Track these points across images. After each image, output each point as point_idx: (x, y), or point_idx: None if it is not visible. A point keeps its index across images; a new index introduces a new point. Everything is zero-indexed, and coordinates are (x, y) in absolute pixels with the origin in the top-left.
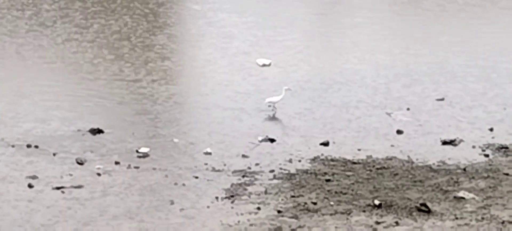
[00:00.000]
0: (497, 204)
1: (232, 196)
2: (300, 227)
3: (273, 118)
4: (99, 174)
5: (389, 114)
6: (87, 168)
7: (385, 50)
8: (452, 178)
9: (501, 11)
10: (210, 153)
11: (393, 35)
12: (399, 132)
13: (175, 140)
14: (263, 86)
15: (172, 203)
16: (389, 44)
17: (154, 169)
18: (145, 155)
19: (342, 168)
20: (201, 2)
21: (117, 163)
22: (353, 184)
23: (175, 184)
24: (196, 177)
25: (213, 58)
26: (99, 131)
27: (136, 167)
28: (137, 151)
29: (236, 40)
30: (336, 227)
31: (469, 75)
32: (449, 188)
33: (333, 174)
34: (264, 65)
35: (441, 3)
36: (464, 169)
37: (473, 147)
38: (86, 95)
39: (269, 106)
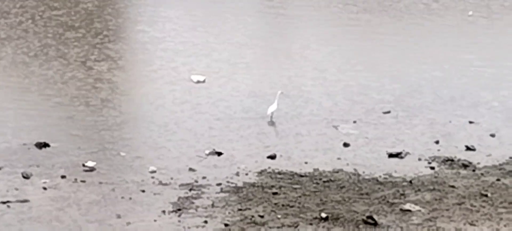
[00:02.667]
0: (443, 216)
1: (179, 210)
2: None
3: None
4: (45, 188)
5: (335, 127)
6: (33, 182)
7: (331, 63)
8: (398, 191)
9: (448, 27)
10: (155, 171)
11: (340, 48)
12: (345, 144)
13: (122, 154)
14: (207, 100)
15: (119, 217)
16: (335, 57)
17: (100, 182)
18: (92, 169)
19: (289, 181)
20: (148, 22)
21: (63, 177)
22: (300, 197)
23: (122, 197)
24: (143, 191)
25: (159, 73)
26: (45, 145)
27: (83, 181)
28: (83, 165)
29: (178, 56)
30: None
31: (415, 88)
32: (396, 201)
33: (280, 187)
34: (198, 81)
35: (389, 15)
36: (410, 182)
37: (419, 159)
38: (31, 109)
39: (269, 115)
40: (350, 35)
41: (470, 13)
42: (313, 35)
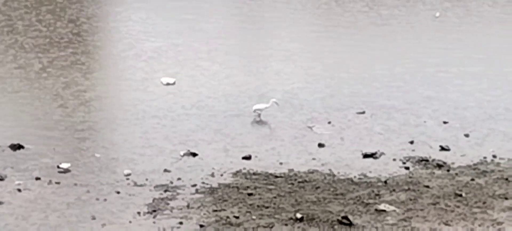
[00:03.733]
0: (417, 216)
1: (154, 211)
2: None
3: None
4: (19, 190)
5: (310, 128)
6: (7, 184)
7: (306, 64)
8: (373, 191)
9: (423, 24)
10: (130, 174)
11: (314, 49)
12: (320, 145)
13: (97, 155)
14: (180, 102)
15: (93, 218)
16: (309, 58)
17: (75, 184)
18: (66, 170)
19: (264, 182)
20: (121, 26)
21: (37, 178)
22: (275, 197)
23: (97, 199)
24: (118, 192)
25: (132, 76)
26: (20, 147)
27: (57, 183)
28: (58, 166)
29: (151, 59)
30: None
31: (389, 89)
32: (370, 201)
33: (255, 188)
34: (168, 84)
35: (362, 17)
36: (385, 182)
37: (394, 159)
38: (5, 110)
39: (255, 112)
40: (325, 38)
41: (437, 14)
42: (289, 36)
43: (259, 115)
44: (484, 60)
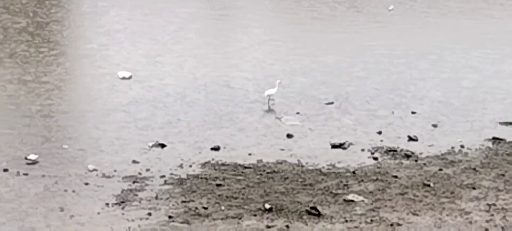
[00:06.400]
0: (386, 206)
1: (122, 202)
2: None
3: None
4: None
5: (279, 118)
6: None
7: (273, 55)
8: (341, 181)
9: (392, 14)
10: (98, 165)
11: (282, 40)
12: (289, 135)
13: (65, 146)
14: (149, 94)
15: (62, 210)
16: (277, 48)
17: (43, 176)
18: (34, 162)
19: (233, 173)
20: (90, 20)
21: (5, 170)
22: (244, 188)
23: (65, 190)
24: (86, 184)
25: (100, 68)
26: None
27: (25, 174)
28: (26, 158)
29: (119, 53)
30: None
31: (358, 79)
32: (339, 191)
33: (224, 179)
34: (124, 78)
35: (333, 5)
36: (354, 172)
37: (362, 150)
38: None
39: (268, 98)
40: (293, 28)
41: (391, 7)
42: (255, 28)
43: (272, 100)
44: (448, 50)
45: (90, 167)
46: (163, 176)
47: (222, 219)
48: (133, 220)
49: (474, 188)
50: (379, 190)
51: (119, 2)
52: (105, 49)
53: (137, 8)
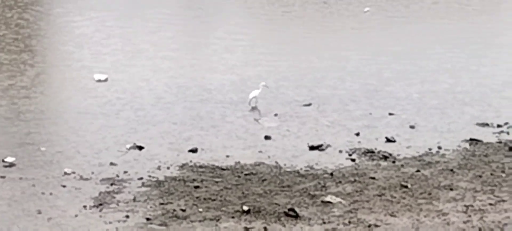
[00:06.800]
0: (363, 208)
1: (100, 204)
2: None
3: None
4: None
5: (257, 120)
6: None
7: (250, 56)
8: (319, 183)
9: (368, 16)
10: (75, 167)
11: (258, 41)
12: (267, 137)
13: (42, 149)
14: (125, 96)
15: (39, 212)
16: (253, 50)
17: (20, 178)
18: (11, 164)
19: (211, 175)
20: (65, 21)
21: None
22: (221, 190)
23: (43, 193)
24: (64, 186)
25: (76, 71)
26: None
27: (2, 177)
28: (3, 161)
29: (99, 55)
30: None
31: (335, 81)
32: (317, 193)
33: (201, 181)
34: (99, 80)
35: (309, 7)
36: (331, 174)
37: (340, 151)
38: None
39: (253, 99)
40: (269, 30)
41: (367, 9)
42: (231, 30)
43: (255, 102)
44: (425, 52)
45: (68, 169)
46: (141, 178)
47: (200, 221)
48: (110, 223)
49: (451, 189)
50: (356, 191)
51: (94, 5)
52: (80, 52)
53: (113, 11)
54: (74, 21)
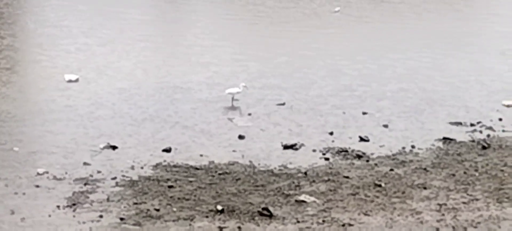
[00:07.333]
0: (337, 206)
1: (74, 204)
2: None
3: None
4: None
5: (230, 119)
6: None
7: (223, 56)
8: (293, 182)
9: (338, 15)
10: (49, 167)
11: (232, 42)
12: (241, 137)
13: (15, 149)
14: (99, 96)
15: (12, 213)
16: (227, 50)
17: None
18: None
19: (185, 174)
20: (37, 21)
21: None
22: (195, 189)
23: (16, 193)
24: (37, 186)
25: (49, 71)
26: None
27: None
28: None
29: (69, 55)
30: None
31: (309, 80)
32: (291, 192)
33: (175, 180)
34: (70, 80)
35: (282, 6)
36: (305, 173)
37: (314, 150)
38: None
39: (230, 96)
40: (243, 29)
41: (337, 9)
42: (206, 31)
43: (232, 99)
44: (397, 51)
45: (41, 169)
46: (115, 178)
47: (174, 220)
48: (84, 222)
49: (425, 188)
50: (330, 190)
51: (65, 4)
52: (51, 52)
53: (86, 12)
54: (47, 22)
